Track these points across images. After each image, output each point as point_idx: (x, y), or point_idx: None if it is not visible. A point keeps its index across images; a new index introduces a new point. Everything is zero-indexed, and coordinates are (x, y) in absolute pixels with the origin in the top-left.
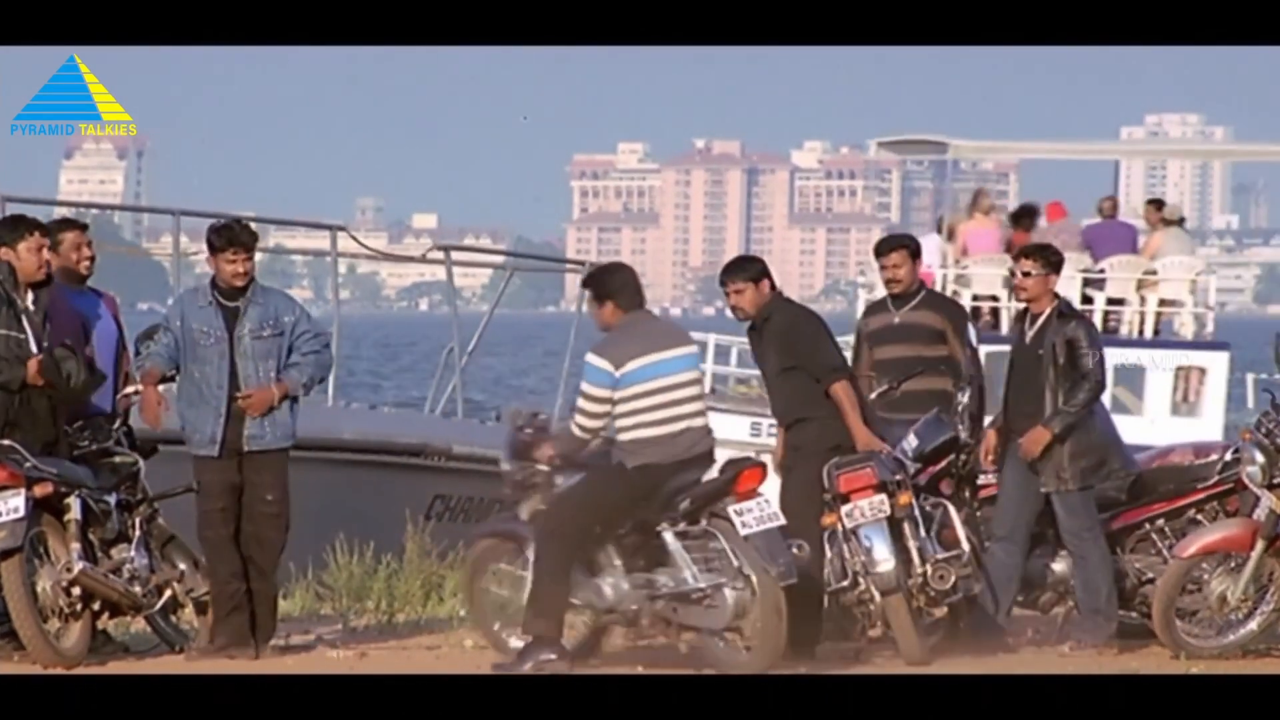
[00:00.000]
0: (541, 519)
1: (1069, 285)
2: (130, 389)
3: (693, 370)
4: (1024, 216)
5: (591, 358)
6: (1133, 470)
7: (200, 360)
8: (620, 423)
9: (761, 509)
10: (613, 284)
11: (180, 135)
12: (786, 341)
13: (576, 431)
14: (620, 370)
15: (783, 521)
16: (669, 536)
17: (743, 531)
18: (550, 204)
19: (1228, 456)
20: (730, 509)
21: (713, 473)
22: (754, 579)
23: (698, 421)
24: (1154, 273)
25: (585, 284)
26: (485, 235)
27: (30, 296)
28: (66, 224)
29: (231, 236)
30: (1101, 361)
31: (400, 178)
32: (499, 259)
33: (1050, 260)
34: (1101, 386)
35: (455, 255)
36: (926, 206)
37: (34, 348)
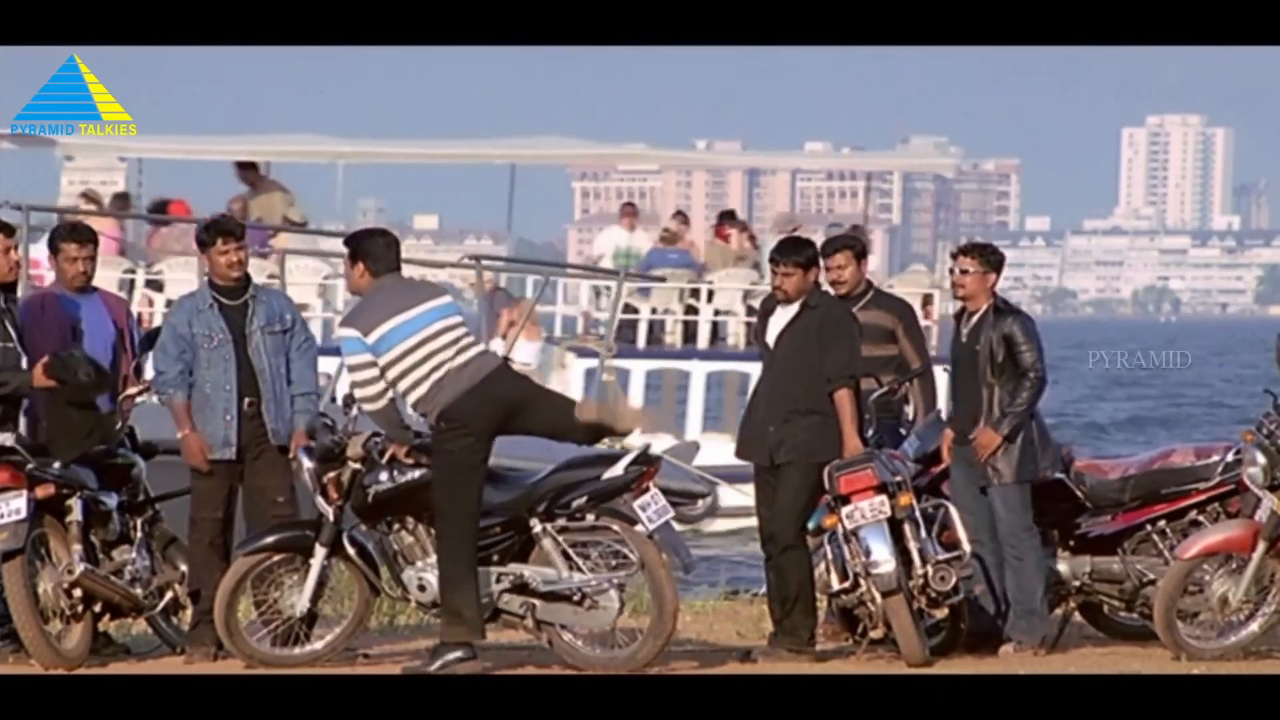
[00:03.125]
0: (439, 522)
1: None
2: (133, 390)
3: (445, 319)
4: (157, 210)
5: (340, 331)
6: (1059, 471)
7: (205, 364)
8: (400, 386)
9: (657, 501)
10: (368, 246)
11: (181, 135)
12: (821, 330)
13: (365, 406)
14: (369, 336)
15: (673, 513)
16: (541, 532)
17: (650, 526)
18: (554, 207)
19: (1229, 457)
20: (634, 504)
21: (616, 470)
22: (654, 574)
23: (459, 359)
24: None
25: (345, 243)
26: (486, 237)
27: (1, 298)
28: (71, 233)
29: (220, 228)
30: (1041, 356)
31: (401, 179)
32: (532, 268)
33: (989, 259)
34: (1043, 382)
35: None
36: (927, 208)
37: (19, 349)
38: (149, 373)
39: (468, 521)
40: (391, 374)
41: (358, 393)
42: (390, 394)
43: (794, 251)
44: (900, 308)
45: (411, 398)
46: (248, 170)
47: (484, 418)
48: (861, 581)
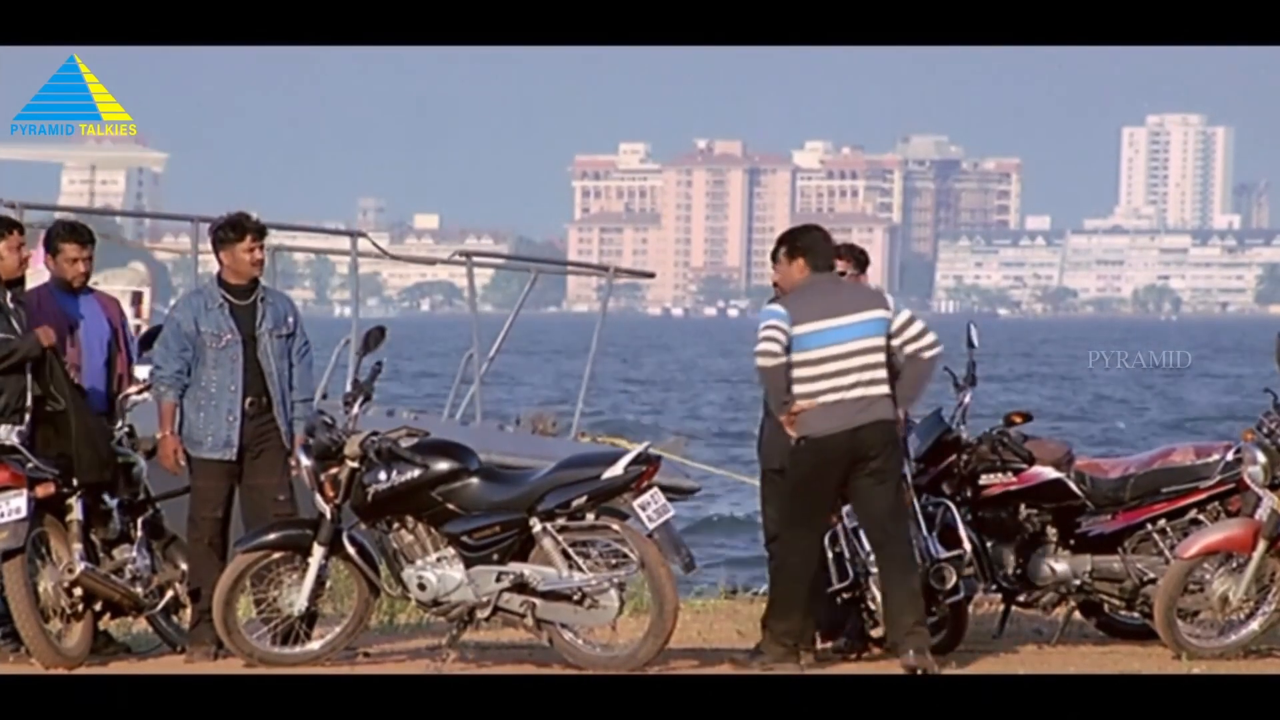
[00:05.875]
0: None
1: None
2: (132, 389)
3: (874, 337)
4: None
5: (771, 306)
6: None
7: (211, 364)
8: (796, 384)
9: (657, 500)
10: (808, 241)
11: (181, 136)
12: None
13: (760, 360)
14: (796, 328)
15: (674, 512)
16: (541, 531)
17: (649, 526)
18: (554, 206)
19: (1229, 456)
20: (634, 503)
21: (616, 469)
22: (654, 574)
23: (854, 391)
24: None
25: (781, 239)
26: (486, 236)
27: (8, 295)
28: (72, 234)
29: (247, 225)
30: None
31: (402, 178)
32: (522, 264)
33: (860, 260)
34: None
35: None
36: (928, 207)
37: None
38: (142, 372)
39: (798, 549)
40: (798, 371)
41: (761, 346)
42: (785, 360)
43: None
44: None
45: (798, 398)
46: None
47: (835, 464)
48: (861, 580)
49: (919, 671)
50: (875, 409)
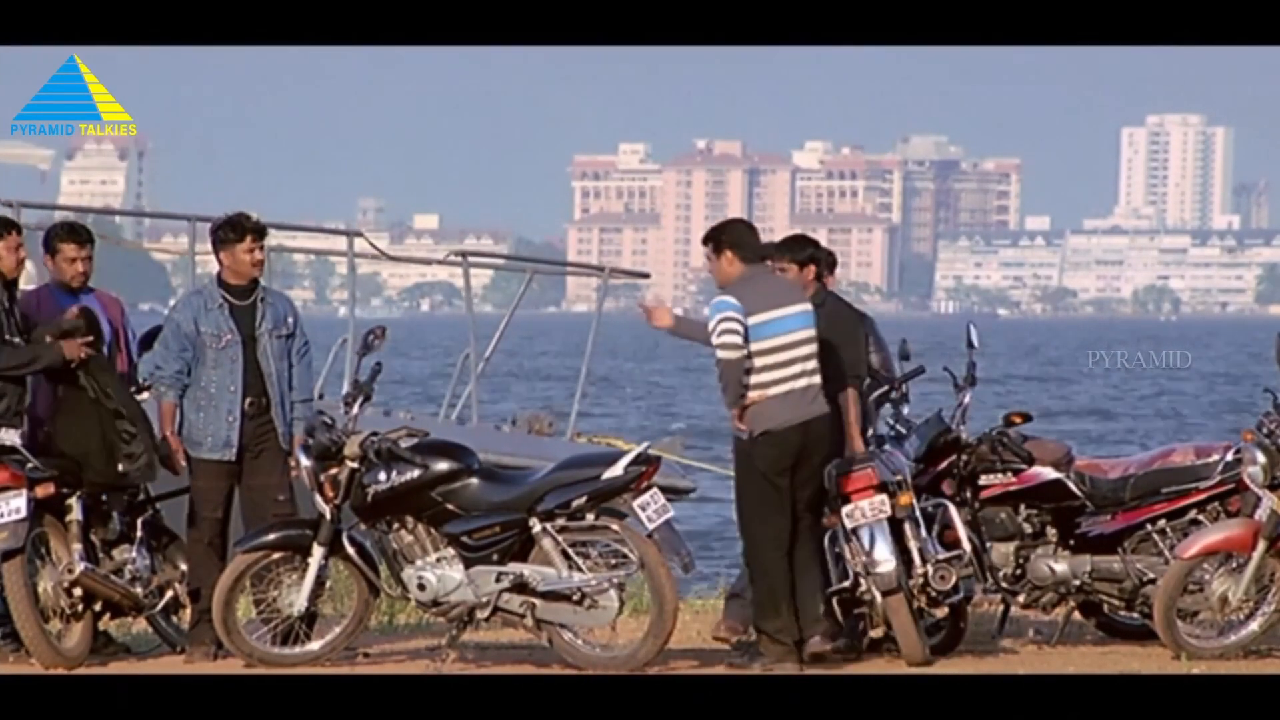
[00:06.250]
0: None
1: None
2: (131, 390)
3: (810, 328)
4: None
5: (722, 296)
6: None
7: (211, 364)
8: (747, 376)
9: (657, 501)
10: (736, 235)
11: (181, 136)
12: (829, 330)
13: (722, 352)
14: (749, 318)
15: (673, 512)
16: (541, 531)
17: (649, 526)
18: (554, 206)
19: (1229, 457)
20: (633, 503)
21: (616, 469)
22: (654, 574)
23: (802, 381)
24: None
25: (708, 236)
26: (486, 236)
27: (5, 296)
28: (70, 234)
29: (249, 225)
30: (887, 359)
31: (402, 178)
32: (518, 264)
33: (829, 262)
34: (860, 380)
35: (473, 260)
36: (928, 207)
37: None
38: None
39: (772, 545)
40: (747, 362)
41: (724, 339)
42: (745, 352)
43: (788, 250)
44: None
45: (750, 392)
46: None
47: (790, 455)
48: (862, 580)
49: (825, 656)
50: (820, 401)
